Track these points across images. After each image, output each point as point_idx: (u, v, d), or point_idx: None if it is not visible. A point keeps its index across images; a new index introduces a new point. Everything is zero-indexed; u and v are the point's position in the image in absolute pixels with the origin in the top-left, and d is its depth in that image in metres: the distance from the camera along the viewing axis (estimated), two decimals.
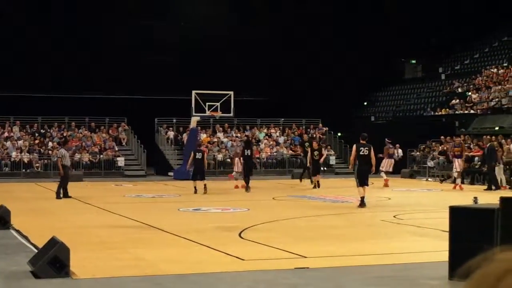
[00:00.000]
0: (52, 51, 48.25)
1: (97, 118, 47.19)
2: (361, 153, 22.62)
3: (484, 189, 30.11)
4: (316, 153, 32.29)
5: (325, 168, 41.00)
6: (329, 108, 49.11)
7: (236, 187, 31.94)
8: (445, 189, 31.84)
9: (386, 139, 35.46)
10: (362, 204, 22.57)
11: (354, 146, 23.06)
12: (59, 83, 48.19)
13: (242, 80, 46.66)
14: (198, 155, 29.18)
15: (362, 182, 22.67)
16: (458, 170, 32.05)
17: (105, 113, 46.82)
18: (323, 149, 35.24)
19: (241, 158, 31.47)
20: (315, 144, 33.54)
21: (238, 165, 32.51)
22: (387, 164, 34.64)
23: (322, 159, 34.29)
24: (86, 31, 49.44)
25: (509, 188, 31.09)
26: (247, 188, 30.06)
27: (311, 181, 33.26)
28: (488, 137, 34.16)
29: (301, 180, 35.34)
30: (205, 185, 28.56)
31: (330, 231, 16.77)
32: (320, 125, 50.69)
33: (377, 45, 54.56)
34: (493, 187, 30.36)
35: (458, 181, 31.98)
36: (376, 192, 28.46)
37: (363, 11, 55.65)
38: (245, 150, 31.15)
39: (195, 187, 28.64)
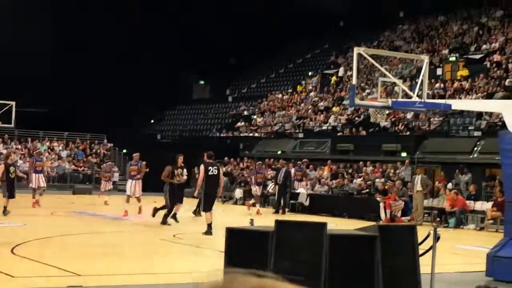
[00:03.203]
0: None
1: None
2: (210, 173, 20.37)
3: (273, 212, 30.95)
4: (179, 171, 23.24)
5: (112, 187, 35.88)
6: (114, 124, 48.52)
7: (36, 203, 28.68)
8: (226, 209, 32.18)
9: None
10: (209, 231, 20.13)
11: (202, 166, 20.55)
12: None
13: (25, 90, 45.08)
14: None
15: (210, 206, 20.71)
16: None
17: None
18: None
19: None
20: (180, 160, 23.39)
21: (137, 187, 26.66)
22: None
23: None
24: None
25: (289, 211, 32.06)
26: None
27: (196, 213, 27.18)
28: (283, 161, 34.77)
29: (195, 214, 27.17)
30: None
31: (108, 249, 16.41)
32: (105, 141, 50.00)
33: (167, 63, 54.73)
34: (284, 210, 31.79)
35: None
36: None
37: (158, 30, 55.47)
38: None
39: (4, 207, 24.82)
